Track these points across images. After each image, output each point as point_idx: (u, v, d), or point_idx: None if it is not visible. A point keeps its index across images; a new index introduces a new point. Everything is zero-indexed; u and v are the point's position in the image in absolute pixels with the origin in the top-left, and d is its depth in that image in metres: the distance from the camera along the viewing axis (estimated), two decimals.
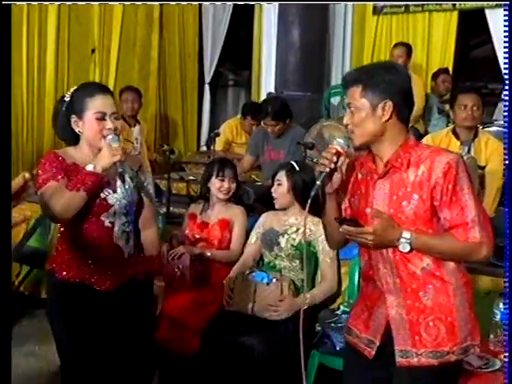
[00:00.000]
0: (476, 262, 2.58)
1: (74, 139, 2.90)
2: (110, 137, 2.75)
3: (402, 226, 2.38)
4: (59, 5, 7.02)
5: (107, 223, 2.88)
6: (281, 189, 3.88)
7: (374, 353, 2.53)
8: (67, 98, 2.87)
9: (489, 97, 8.29)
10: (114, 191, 2.89)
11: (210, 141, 5.88)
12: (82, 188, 2.66)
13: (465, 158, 3.94)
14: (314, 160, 4.44)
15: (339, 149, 2.42)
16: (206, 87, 9.36)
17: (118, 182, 2.90)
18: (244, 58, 9.50)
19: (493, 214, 4.38)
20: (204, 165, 5.20)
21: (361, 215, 2.49)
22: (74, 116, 2.83)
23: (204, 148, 8.21)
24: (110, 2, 7.60)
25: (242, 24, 9.35)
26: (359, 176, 2.56)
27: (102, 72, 7.69)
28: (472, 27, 8.50)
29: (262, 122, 5.79)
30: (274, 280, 3.69)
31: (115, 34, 7.80)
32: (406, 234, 2.34)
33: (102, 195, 2.85)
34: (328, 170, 2.40)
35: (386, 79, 2.38)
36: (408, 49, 7.15)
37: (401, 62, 7.03)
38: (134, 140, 6.61)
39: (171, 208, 5.36)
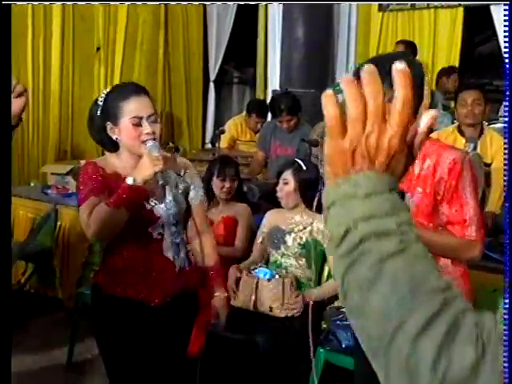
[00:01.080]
0: (483, 258, 2.57)
1: (112, 145, 2.72)
2: (149, 144, 2.57)
3: None
4: (63, 4, 7.03)
5: (156, 235, 2.73)
6: (287, 188, 3.87)
7: None
8: (100, 102, 2.68)
9: (494, 93, 8.28)
10: (161, 201, 2.71)
11: (215, 138, 5.88)
12: (123, 204, 2.51)
13: (470, 154, 3.93)
14: (320, 157, 4.44)
15: None
16: (211, 85, 9.36)
17: (164, 191, 2.69)
18: (248, 55, 9.49)
19: (498, 211, 4.37)
20: (209, 162, 5.20)
21: None
22: (109, 123, 2.64)
23: (209, 145, 8.21)
24: (112, 2, 7.60)
25: (247, 22, 9.33)
26: None
27: (107, 70, 7.70)
28: (477, 23, 8.48)
29: (277, 121, 5.76)
30: (277, 276, 3.69)
31: (120, 32, 7.80)
32: None
33: (148, 206, 2.68)
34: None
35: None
36: (411, 47, 7.12)
37: None
38: None
39: None
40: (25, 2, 6.61)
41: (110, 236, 2.65)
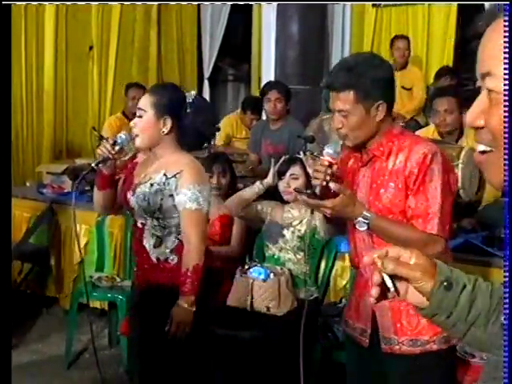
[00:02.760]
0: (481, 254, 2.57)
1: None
2: (120, 135, 2.92)
3: (378, 213, 2.39)
4: (57, 3, 7.01)
5: (139, 224, 2.93)
6: (298, 183, 3.84)
7: (367, 341, 2.55)
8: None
9: None
10: (133, 194, 2.90)
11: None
12: (97, 185, 2.97)
13: (464, 150, 3.92)
14: (315, 154, 4.44)
15: (330, 160, 2.42)
16: (206, 82, 9.34)
17: (139, 186, 2.89)
18: (243, 52, 9.48)
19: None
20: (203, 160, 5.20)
21: None
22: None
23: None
24: (109, 2, 7.59)
25: (241, 18, 9.33)
26: (349, 163, 2.58)
27: (101, 69, 7.68)
28: (472, 19, 8.48)
29: (264, 102, 5.80)
30: (272, 275, 3.67)
31: (113, 31, 7.77)
32: (366, 214, 2.35)
33: (128, 196, 2.91)
34: (324, 183, 2.40)
35: (376, 79, 2.38)
36: (408, 41, 7.17)
37: (406, 54, 7.06)
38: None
39: None
40: (25, 2, 6.60)
41: (108, 205, 3.06)
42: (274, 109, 5.74)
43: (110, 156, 2.86)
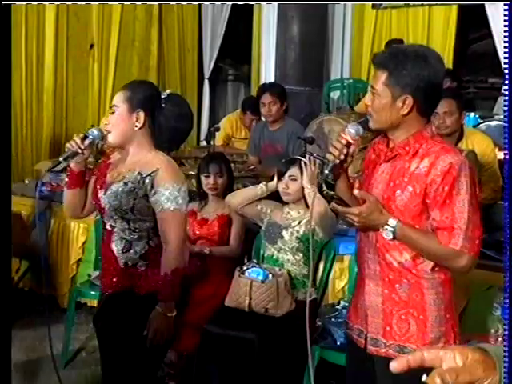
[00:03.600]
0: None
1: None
2: (91, 130, 2.83)
3: (390, 213, 2.36)
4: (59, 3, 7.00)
5: (108, 226, 2.81)
6: (296, 184, 3.83)
7: (364, 342, 2.54)
8: None
9: (489, 91, 8.31)
10: (105, 192, 2.78)
11: (210, 136, 5.88)
12: (67, 183, 2.91)
13: (464, 152, 3.92)
14: (314, 155, 4.43)
15: (349, 139, 2.40)
16: (206, 82, 9.34)
17: (111, 184, 2.76)
18: (244, 52, 9.48)
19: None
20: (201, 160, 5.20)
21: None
22: None
23: (204, 143, 8.20)
24: (110, 2, 7.58)
25: (242, 19, 9.33)
26: (372, 156, 2.55)
27: (101, 67, 7.67)
28: (472, 21, 8.49)
29: (260, 104, 5.80)
30: (270, 276, 3.65)
31: (114, 30, 7.76)
32: (392, 222, 2.32)
33: (99, 194, 2.80)
34: (338, 161, 2.39)
35: (413, 73, 2.30)
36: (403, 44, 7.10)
37: None
38: None
39: None
40: (25, 2, 6.59)
41: (71, 215, 3.09)
42: (269, 112, 5.74)
43: (79, 150, 2.75)
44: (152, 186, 2.71)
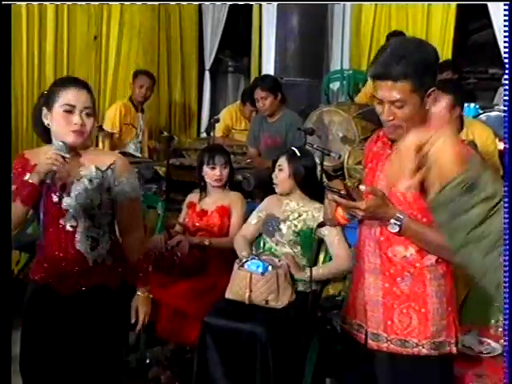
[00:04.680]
0: None
1: (46, 134, 2.80)
2: (56, 143, 2.64)
3: (398, 206, 2.35)
4: None
5: (68, 227, 2.74)
6: (282, 174, 3.86)
7: (364, 337, 2.53)
8: (45, 91, 2.80)
9: (489, 81, 8.29)
10: (68, 194, 2.72)
11: (210, 127, 5.88)
12: (18, 198, 2.59)
13: (465, 143, 3.91)
14: (314, 146, 4.44)
15: None
16: (207, 74, 9.33)
17: (74, 185, 2.71)
18: (244, 44, 9.47)
19: None
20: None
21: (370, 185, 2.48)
22: (44, 108, 2.72)
23: (204, 135, 8.20)
24: (112, 3, 7.56)
25: (242, 11, 9.31)
26: (375, 149, 2.54)
27: (104, 59, 7.65)
28: (472, 11, 8.46)
29: (256, 101, 5.80)
30: (270, 268, 3.64)
31: (115, 21, 7.74)
32: (399, 215, 2.32)
33: (55, 199, 2.71)
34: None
35: (429, 65, 2.31)
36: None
37: None
38: (138, 127, 6.61)
39: (171, 195, 5.35)
40: (24, 2, 6.57)
41: (21, 222, 2.73)
42: (263, 107, 5.74)
43: (61, 166, 2.60)
44: (114, 179, 2.76)
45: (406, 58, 2.28)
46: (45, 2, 6.82)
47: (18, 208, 2.59)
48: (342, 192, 2.38)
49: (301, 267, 3.73)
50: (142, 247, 2.89)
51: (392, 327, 2.42)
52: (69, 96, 2.66)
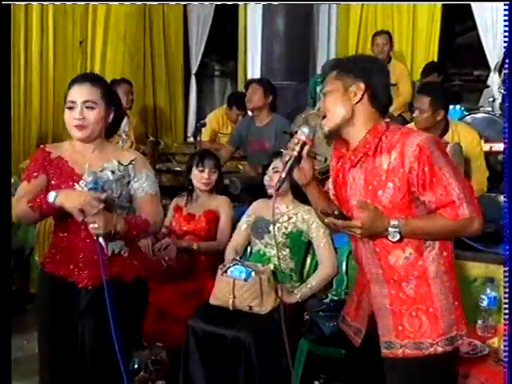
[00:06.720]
0: (464, 248, 2.57)
1: None
2: (86, 179, 2.69)
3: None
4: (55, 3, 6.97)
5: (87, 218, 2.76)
6: (278, 176, 3.83)
7: (360, 341, 2.53)
8: None
9: (474, 83, 8.32)
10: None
11: (196, 131, 5.87)
12: (38, 210, 2.64)
13: (450, 145, 3.93)
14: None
15: (303, 138, 2.41)
16: (193, 78, 9.34)
17: (91, 177, 2.73)
18: (230, 48, 9.48)
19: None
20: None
21: (344, 201, 2.49)
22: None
23: (191, 139, 8.19)
24: (111, 2, 7.55)
25: (228, 14, 9.32)
26: (336, 164, 2.55)
27: (90, 64, 7.64)
28: (456, 14, 8.51)
29: (246, 95, 5.82)
30: (253, 274, 3.64)
31: (100, 26, 7.72)
32: (394, 222, 2.30)
33: (79, 188, 2.75)
34: (292, 157, 2.42)
35: (361, 65, 2.40)
36: (389, 36, 7.11)
37: (386, 50, 7.00)
38: (122, 132, 6.59)
39: None
40: (24, 2, 6.55)
41: (27, 223, 2.99)
42: (249, 98, 5.80)
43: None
44: (134, 174, 2.86)
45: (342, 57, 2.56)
46: (45, 2, 6.80)
47: (34, 216, 2.71)
48: (336, 213, 2.39)
49: (289, 291, 3.74)
50: (147, 222, 2.82)
51: (404, 332, 2.40)
52: (71, 93, 2.78)
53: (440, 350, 2.38)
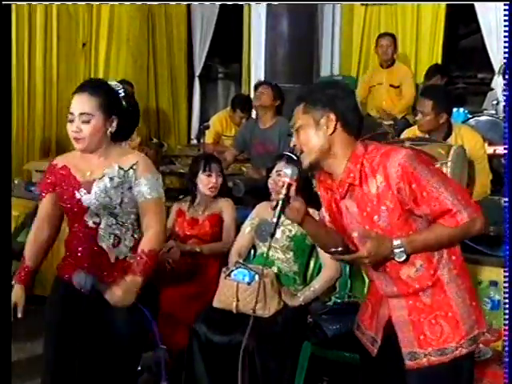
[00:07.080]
0: (467, 252, 2.56)
1: None
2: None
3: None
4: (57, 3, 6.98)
5: (91, 223, 2.83)
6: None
7: (376, 351, 2.53)
8: None
9: (478, 86, 8.31)
10: (89, 192, 2.79)
11: (200, 134, 5.87)
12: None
13: (454, 147, 3.91)
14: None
15: (287, 180, 2.43)
16: (196, 80, 9.34)
17: (95, 183, 2.79)
18: (233, 50, 9.48)
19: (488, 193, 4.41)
20: (192, 158, 5.19)
21: (342, 229, 2.50)
22: None
23: (195, 141, 8.20)
24: (109, 2, 7.55)
25: (231, 16, 9.31)
26: (326, 194, 2.55)
27: (93, 67, 7.64)
28: (461, 17, 8.50)
29: (250, 97, 5.82)
30: (257, 277, 3.63)
31: (104, 28, 7.73)
32: (397, 242, 2.32)
33: (78, 196, 2.80)
34: (280, 201, 2.43)
35: (327, 93, 2.38)
36: (394, 38, 7.11)
37: (390, 52, 7.01)
38: None
39: None
40: (24, 2, 6.55)
41: None
42: (258, 97, 5.79)
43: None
44: (135, 178, 2.80)
45: (306, 86, 2.67)
46: (45, 3, 6.80)
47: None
48: (340, 249, 2.41)
49: (292, 294, 3.74)
50: (150, 243, 2.78)
51: (426, 341, 2.39)
52: (71, 104, 2.79)
53: (464, 351, 2.39)
